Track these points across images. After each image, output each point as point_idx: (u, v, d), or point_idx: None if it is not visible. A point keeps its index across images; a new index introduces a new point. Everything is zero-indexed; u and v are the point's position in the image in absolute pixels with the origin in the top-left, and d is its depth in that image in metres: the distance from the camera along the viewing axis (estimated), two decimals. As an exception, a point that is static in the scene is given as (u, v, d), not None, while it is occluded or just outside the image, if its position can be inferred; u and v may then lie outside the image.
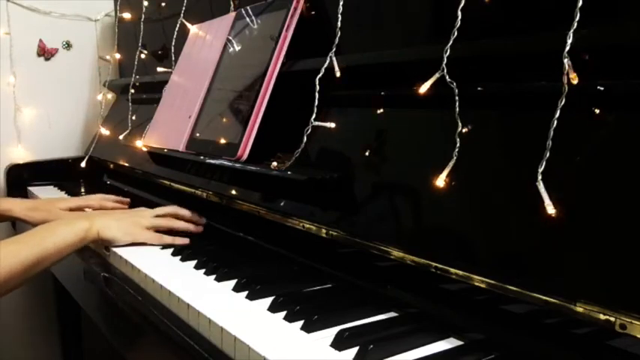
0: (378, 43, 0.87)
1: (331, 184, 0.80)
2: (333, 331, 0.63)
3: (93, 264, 1.02)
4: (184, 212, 1.09)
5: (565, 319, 0.54)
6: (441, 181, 0.65)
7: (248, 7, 1.11)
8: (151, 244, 1.01)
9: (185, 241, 1.01)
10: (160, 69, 1.46)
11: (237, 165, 0.95)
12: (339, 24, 0.87)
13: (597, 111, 0.55)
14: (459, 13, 0.67)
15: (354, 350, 0.60)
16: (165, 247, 1.00)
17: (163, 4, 1.53)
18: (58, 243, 0.91)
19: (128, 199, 1.33)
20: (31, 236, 0.91)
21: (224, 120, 1.04)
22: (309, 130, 0.86)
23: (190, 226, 1.07)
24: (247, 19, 1.10)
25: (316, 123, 0.86)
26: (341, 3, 0.87)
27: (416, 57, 0.75)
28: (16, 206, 1.21)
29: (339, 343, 0.61)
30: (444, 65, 0.68)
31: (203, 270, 0.87)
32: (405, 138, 0.76)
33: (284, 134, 0.93)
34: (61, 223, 0.97)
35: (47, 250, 0.89)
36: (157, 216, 1.05)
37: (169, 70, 1.38)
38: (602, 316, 0.50)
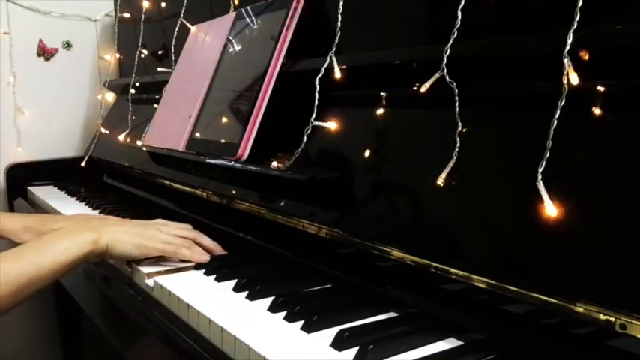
0: (378, 43, 0.87)
1: (331, 184, 0.80)
2: (333, 331, 0.63)
3: (93, 264, 1.02)
4: (205, 241, 0.94)
5: (565, 319, 0.54)
6: (441, 181, 0.65)
7: (248, 7, 1.11)
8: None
9: (204, 258, 0.90)
10: (160, 69, 1.46)
11: (238, 165, 0.95)
12: (339, 24, 0.87)
13: (597, 111, 0.55)
14: (459, 13, 0.67)
15: (354, 350, 0.60)
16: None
17: (163, 4, 1.53)
18: (59, 259, 0.80)
19: None
20: (27, 251, 0.80)
21: (224, 120, 1.04)
22: (309, 130, 0.86)
23: (207, 258, 0.91)
24: (247, 19, 1.10)
25: (316, 123, 0.86)
26: (341, 3, 0.87)
27: (416, 57, 0.75)
28: (9, 225, 1.07)
29: (339, 343, 0.61)
30: (444, 65, 0.68)
31: (203, 270, 0.87)
32: (405, 138, 0.76)
33: (284, 134, 0.93)
34: (63, 234, 0.85)
35: (45, 267, 0.78)
36: (176, 236, 0.92)
37: (169, 70, 1.38)
38: (602, 316, 0.50)
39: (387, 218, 0.72)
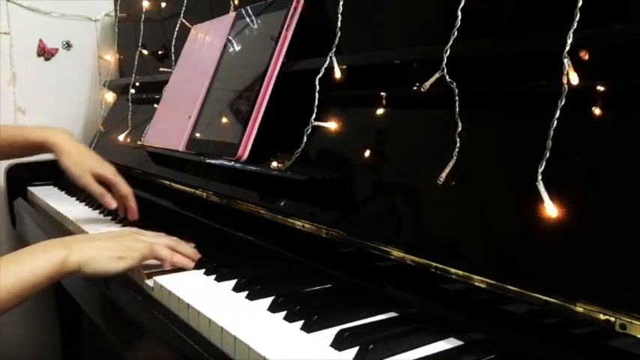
0: (378, 43, 0.87)
1: (331, 184, 0.80)
2: (333, 331, 0.63)
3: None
4: (185, 249, 0.90)
5: (565, 319, 0.54)
6: (441, 181, 0.65)
7: (248, 7, 1.11)
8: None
9: (185, 261, 0.88)
10: (160, 69, 1.46)
11: (238, 165, 0.95)
12: (339, 24, 0.87)
13: (597, 111, 0.55)
14: (459, 13, 0.67)
15: (354, 350, 0.60)
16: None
17: (163, 4, 1.53)
18: (36, 271, 0.78)
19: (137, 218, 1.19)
20: (5, 264, 0.77)
21: (224, 120, 1.04)
22: (309, 130, 0.86)
23: (190, 264, 0.89)
24: (247, 19, 1.10)
25: (316, 123, 0.86)
26: (341, 3, 0.87)
27: (416, 57, 0.75)
28: (62, 142, 1.18)
29: (339, 343, 0.61)
30: (444, 65, 0.68)
31: (203, 270, 0.87)
32: (405, 138, 0.76)
33: (284, 134, 0.93)
34: (36, 248, 0.82)
35: (25, 279, 0.77)
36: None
37: (169, 70, 1.38)
38: (602, 316, 0.50)
39: (387, 218, 0.72)
